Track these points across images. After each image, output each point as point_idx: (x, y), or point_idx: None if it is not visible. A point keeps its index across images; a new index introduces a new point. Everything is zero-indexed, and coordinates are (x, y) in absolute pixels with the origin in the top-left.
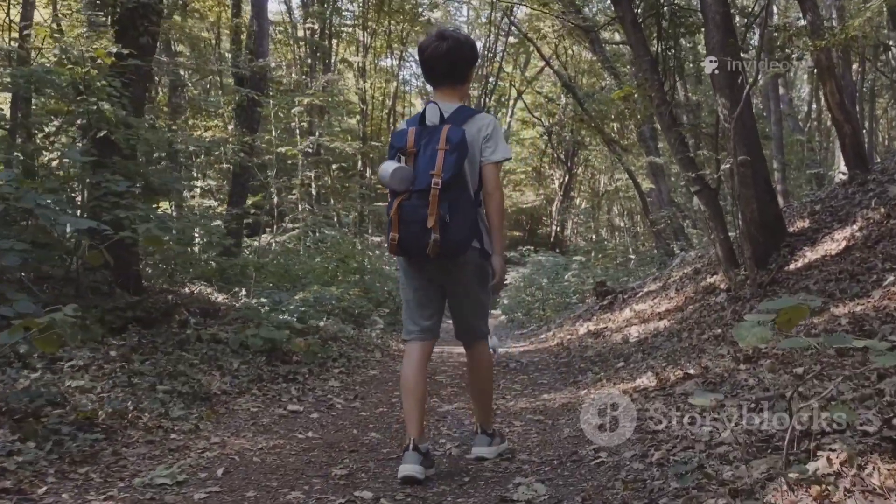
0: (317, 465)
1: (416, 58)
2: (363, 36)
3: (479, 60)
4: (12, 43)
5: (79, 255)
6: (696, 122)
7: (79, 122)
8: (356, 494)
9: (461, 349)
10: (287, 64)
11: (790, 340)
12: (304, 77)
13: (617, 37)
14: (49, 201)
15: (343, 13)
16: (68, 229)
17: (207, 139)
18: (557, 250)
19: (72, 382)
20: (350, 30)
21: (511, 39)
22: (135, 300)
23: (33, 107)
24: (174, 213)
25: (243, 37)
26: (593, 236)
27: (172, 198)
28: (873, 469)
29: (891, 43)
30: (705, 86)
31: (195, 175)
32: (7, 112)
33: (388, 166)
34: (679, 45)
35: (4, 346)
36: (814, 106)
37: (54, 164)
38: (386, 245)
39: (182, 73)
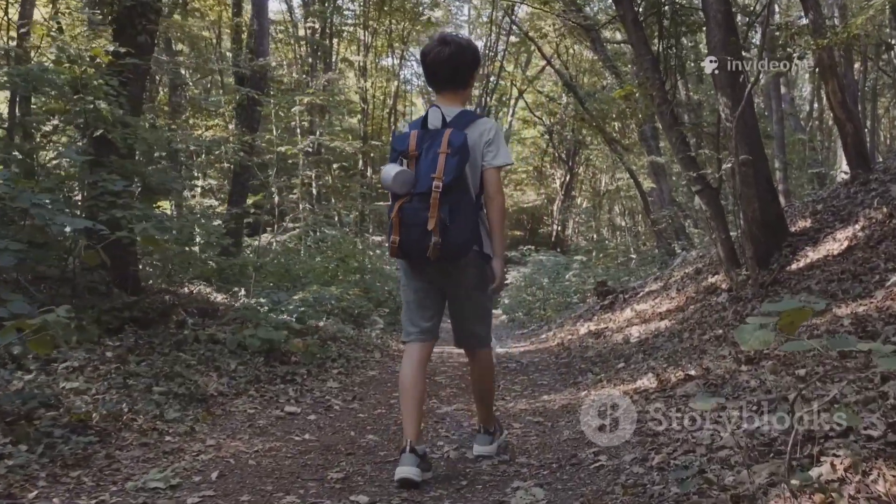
0: (313, 469)
1: (417, 57)
2: (364, 35)
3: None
4: (11, 42)
5: (75, 254)
6: (697, 122)
7: (77, 121)
8: (352, 499)
9: (461, 350)
10: (288, 63)
11: (792, 343)
12: (304, 76)
13: (618, 36)
14: (46, 201)
15: (344, 12)
16: (67, 230)
17: (208, 138)
18: (558, 250)
19: (66, 384)
20: (351, 29)
21: (512, 38)
22: (132, 300)
23: (33, 106)
24: (174, 213)
25: (244, 36)
26: (594, 236)
27: (172, 197)
28: (878, 475)
29: (893, 42)
30: (707, 85)
31: (195, 174)
32: (6, 111)
33: (390, 169)
34: (680, 44)
35: None
36: (815, 105)
37: (53, 163)
38: (387, 246)
39: (182, 72)
